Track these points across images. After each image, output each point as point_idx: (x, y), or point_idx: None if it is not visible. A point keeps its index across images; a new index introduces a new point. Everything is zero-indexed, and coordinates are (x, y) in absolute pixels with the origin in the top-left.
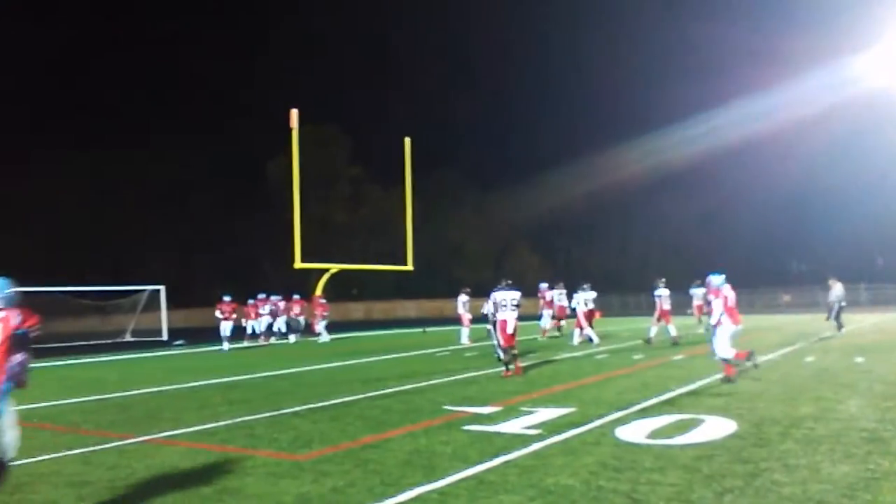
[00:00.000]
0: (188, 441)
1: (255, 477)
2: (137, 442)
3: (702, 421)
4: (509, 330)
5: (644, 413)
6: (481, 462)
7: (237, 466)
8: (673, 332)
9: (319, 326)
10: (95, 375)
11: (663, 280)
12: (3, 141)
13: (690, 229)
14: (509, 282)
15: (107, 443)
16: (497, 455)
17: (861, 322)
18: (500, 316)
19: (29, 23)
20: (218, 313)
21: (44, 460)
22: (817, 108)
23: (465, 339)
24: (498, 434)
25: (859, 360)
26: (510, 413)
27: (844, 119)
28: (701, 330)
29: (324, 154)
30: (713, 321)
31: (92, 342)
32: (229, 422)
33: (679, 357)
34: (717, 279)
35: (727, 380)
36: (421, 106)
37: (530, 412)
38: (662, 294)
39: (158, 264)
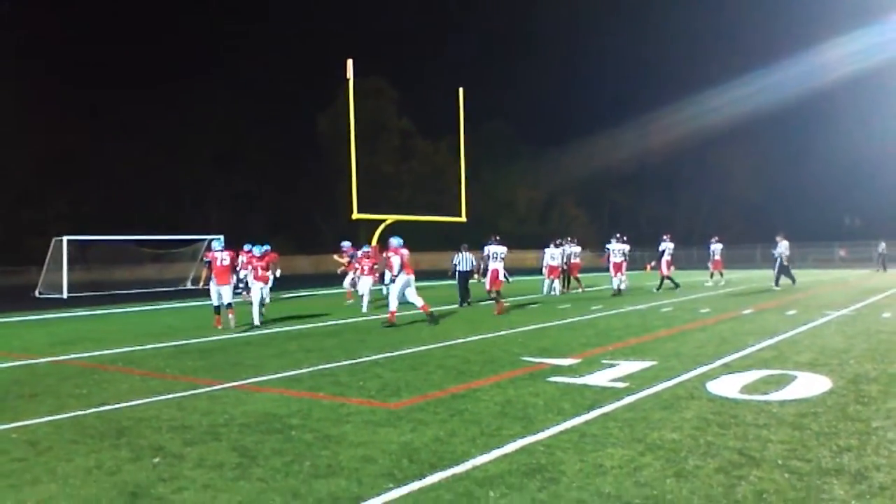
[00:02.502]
0: (277, 387)
1: (353, 425)
2: (226, 388)
3: (794, 377)
4: (500, 277)
5: (729, 368)
6: (577, 415)
7: (333, 414)
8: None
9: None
10: (167, 321)
11: (667, 235)
12: (68, 96)
13: (744, 183)
14: (498, 237)
15: (195, 388)
16: (592, 408)
17: None
18: (491, 265)
19: None
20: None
21: (139, 405)
22: (872, 64)
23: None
24: (586, 386)
25: None
26: (592, 365)
27: None
28: (711, 283)
29: (372, 106)
30: (394, 273)
31: (156, 290)
32: (312, 369)
33: (749, 311)
34: (395, 241)
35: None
36: (474, 62)
37: (612, 364)
38: (666, 248)
39: (215, 216)
